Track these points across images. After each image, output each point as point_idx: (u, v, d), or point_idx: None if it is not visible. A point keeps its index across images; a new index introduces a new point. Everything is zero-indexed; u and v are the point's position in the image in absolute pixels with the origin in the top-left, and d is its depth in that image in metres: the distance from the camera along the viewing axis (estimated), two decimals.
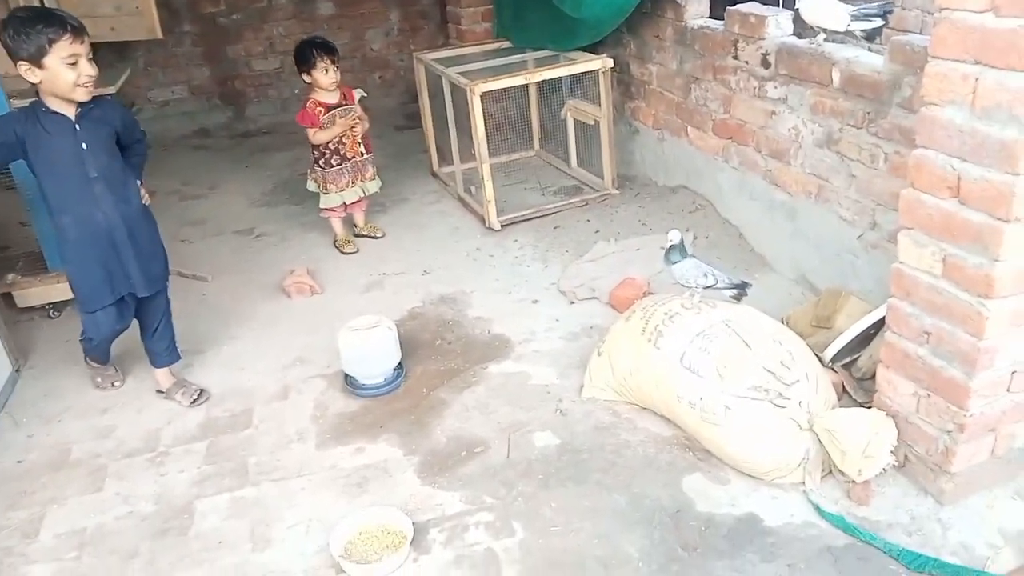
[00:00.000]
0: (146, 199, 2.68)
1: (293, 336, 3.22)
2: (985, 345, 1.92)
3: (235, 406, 2.81)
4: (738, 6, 3.28)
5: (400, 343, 2.89)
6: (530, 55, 4.48)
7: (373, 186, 3.90)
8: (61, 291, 3.31)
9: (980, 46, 1.76)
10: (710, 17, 3.67)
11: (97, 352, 2.85)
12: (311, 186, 3.85)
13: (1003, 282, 1.86)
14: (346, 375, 2.84)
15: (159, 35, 4.46)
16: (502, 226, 3.98)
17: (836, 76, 2.81)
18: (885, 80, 2.63)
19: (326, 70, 3.61)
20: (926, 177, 1.96)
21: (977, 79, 1.79)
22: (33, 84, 2.33)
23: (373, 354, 2.75)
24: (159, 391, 2.87)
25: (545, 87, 4.50)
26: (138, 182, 2.66)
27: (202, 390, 2.85)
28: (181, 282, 3.68)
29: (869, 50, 2.89)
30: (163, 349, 2.84)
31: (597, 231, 3.86)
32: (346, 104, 3.72)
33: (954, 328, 1.97)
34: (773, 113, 3.18)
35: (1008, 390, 2.02)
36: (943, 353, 2.02)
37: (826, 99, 2.89)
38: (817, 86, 2.92)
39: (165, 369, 2.86)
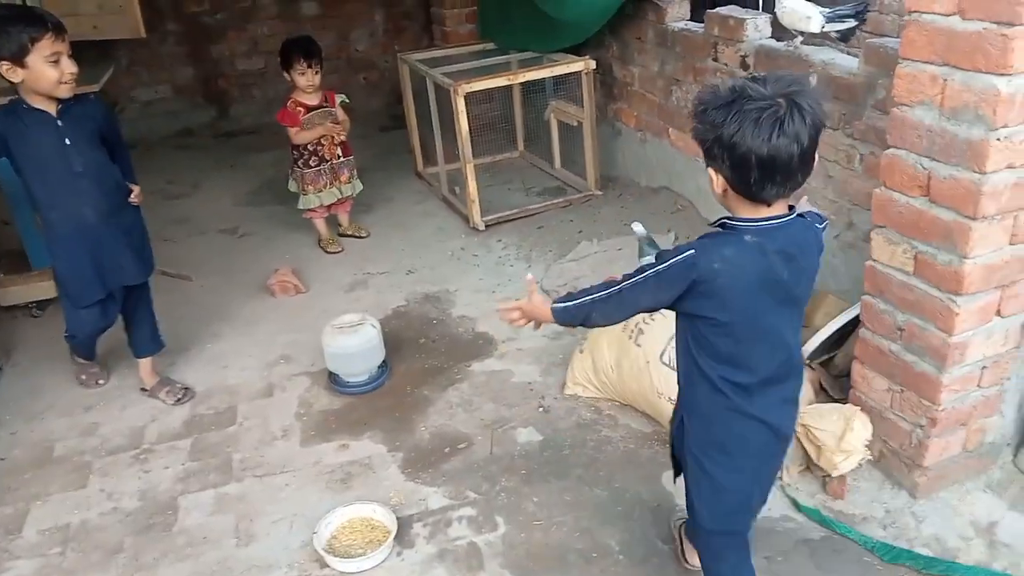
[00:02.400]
0: (138, 200, 2.69)
1: (277, 334, 3.23)
2: (956, 340, 1.97)
3: (219, 403, 2.82)
4: (718, 9, 3.33)
5: (384, 341, 2.91)
6: (514, 56, 4.51)
7: (349, 188, 3.91)
8: (44, 290, 3.30)
9: (947, 48, 1.81)
10: (691, 20, 3.71)
11: (83, 349, 2.85)
12: (292, 186, 3.86)
13: (972, 278, 1.91)
14: (330, 373, 2.86)
15: (142, 34, 4.45)
16: (486, 226, 4.01)
17: (813, 79, 2.86)
18: (860, 82, 2.68)
19: (303, 72, 3.62)
20: (897, 176, 2.01)
21: (945, 80, 1.84)
22: (13, 83, 2.33)
23: (357, 352, 2.77)
24: (143, 389, 2.87)
25: (529, 88, 4.54)
26: (132, 185, 2.67)
27: (187, 388, 2.86)
28: (165, 281, 3.68)
29: (847, 52, 2.95)
30: (146, 337, 2.83)
31: (580, 231, 3.89)
32: (327, 107, 3.73)
33: (926, 324, 2.02)
34: None
35: (979, 385, 2.08)
36: (915, 349, 2.07)
37: None
38: None
39: (149, 365, 2.86)
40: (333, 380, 2.85)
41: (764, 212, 1.41)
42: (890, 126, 2.02)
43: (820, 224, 1.54)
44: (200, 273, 3.76)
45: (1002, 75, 1.71)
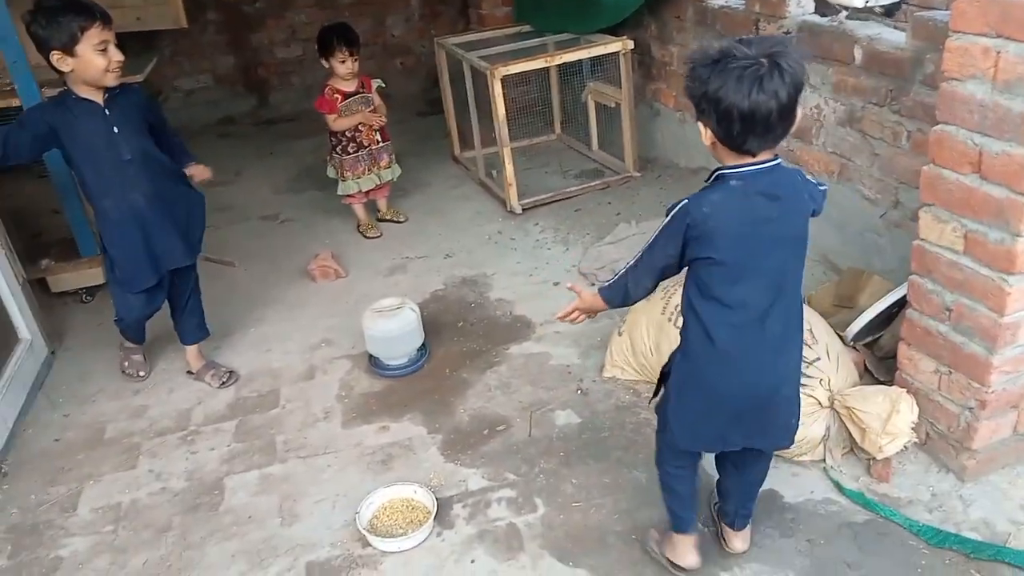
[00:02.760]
0: (204, 175, 2.80)
1: (318, 318, 3.28)
2: (1007, 321, 1.91)
3: (263, 386, 2.87)
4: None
5: (423, 325, 2.94)
6: (550, 38, 4.47)
7: (389, 174, 3.93)
8: (93, 276, 3.40)
9: (1001, 18, 1.75)
10: None
11: (132, 332, 2.92)
12: (331, 172, 3.90)
13: None
14: (370, 356, 2.90)
15: (184, 24, 4.53)
16: (523, 209, 4.00)
17: (858, 54, 2.79)
18: (907, 57, 2.60)
19: (343, 60, 3.63)
20: (947, 153, 1.96)
21: (999, 52, 1.77)
22: (62, 73, 2.39)
23: (397, 335, 2.80)
24: (189, 372, 2.94)
25: (566, 70, 4.50)
26: (193, 165, 2.78)
27: (231, 372, 2.92)
28: (209, 267, 3.74)
29: (894, 27, 2.86)
30: (194, 325, 2.90)
31: (618, 213, 3.87)
32: (363, 92, 3.75)
33: (975, 304, 1.97)
34: None
35: None
36: (964, 329, 2.02)
37: (848, 77, 2.87)
38: (839, 64, 2.90)
39: (195, 350, 2.92)
40: (373, 363, 2.88)
41: (748, 160, 1.54)
42: (940, 101, 1.95)
43: (820, 186, 1.66)
44: (243, 259, 3.83)
45: None
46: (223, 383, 2.87)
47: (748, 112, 1.43)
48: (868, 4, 2.74)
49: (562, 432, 2.48)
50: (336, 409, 2.71)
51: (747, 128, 1.46)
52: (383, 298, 2.97)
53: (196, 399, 2.83)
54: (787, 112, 1.45)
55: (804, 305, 2.59)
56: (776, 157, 1.56)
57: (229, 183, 4.81)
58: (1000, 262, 1.88)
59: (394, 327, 2.79)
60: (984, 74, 1.82)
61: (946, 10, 2.10)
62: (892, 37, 2.70)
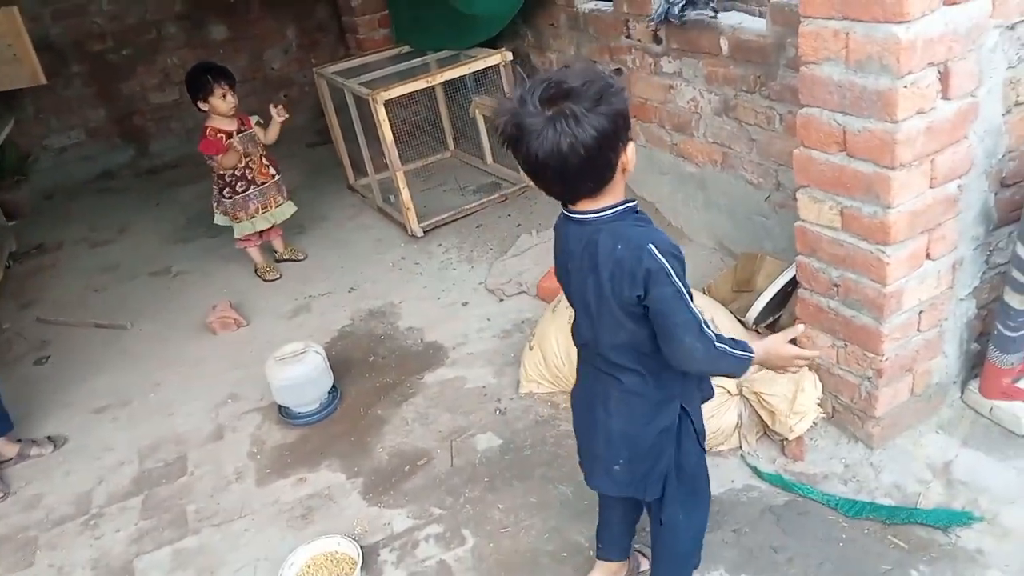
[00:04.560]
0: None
1: (222, 373, 3.14)
2: (890, 290, 1.98)
3: (168, 454, 2.72)
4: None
5: (332, 365, 2.85)
6: (431, 57, 4.45)
7: (287, 210, 3.81)
8: None
9: (845, 2, 1.80)
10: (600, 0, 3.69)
11: None
12: (219, 219, 3.75)
13: (898, 227, 1.91)
14: (280, 406, 2.79)
15: (42, 80, 4.26)
16: (425, 232, 3.95)
17: (724, 45, 2.86)
18: (770, 43, 2.68)
19: (224, 96, 3.50)
20: (814, 134, 2.01)
21: (847, 34, 1.83)
22: None
23: (304, 381, 2.70)
24: (3, 463, 2.75)
25: (451, 87, 4.47)
26: None
27: (50, 437, 2.83)
28: (100, 334, 3.56)
29: (758, 14, 2.94)
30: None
31: (519, 225, 3.86)
32: (245, 130, 3.62)
33: (859, 277, 2.03)
34: (671, 87, 3.22)
35: (918, 330, 2.09)
36: (853, 303, 2.08)
37: (718, 68, 2.94)
38: (708, 56, 2.96)
39: (3, 440, 2.76)
40: (284, 413, 2.77)
41: (571, 207, 1.46)
42: (801, 85, 2.01)
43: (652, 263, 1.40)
44: (136, 319, 3.64)
45: (900, 23, 1.71)
46: (55, 445, 2.79)
47: (529, 167, 1.36)
48: None
49: (484, 457, 2.44)
50: (249, 467, 2.59)
51: (536, 180, 1.40)
52: (287, 343, 2.86)
53: (96, 479, 2.66)
54: (573, 166, 1.32)
55: (705, 296, 2.65)
56: (591, 210, 1.43)
57: (113, 241, 4.58)
58: (876, 235, 1.94)
59: (299, 373, 2.69)
60: (837, 56, 1.88)
61: None
62: (753, 25, 2.78)
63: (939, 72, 1.81)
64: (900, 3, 1.69)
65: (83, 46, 5.43)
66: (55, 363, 3.39)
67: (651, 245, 1.38)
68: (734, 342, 1.48)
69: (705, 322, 1.43)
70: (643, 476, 1.63)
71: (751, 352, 1.50)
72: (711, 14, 2.85)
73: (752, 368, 1.55)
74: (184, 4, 5.62)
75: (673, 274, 1.38)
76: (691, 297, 1.43)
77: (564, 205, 1.48)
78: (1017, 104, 1.99)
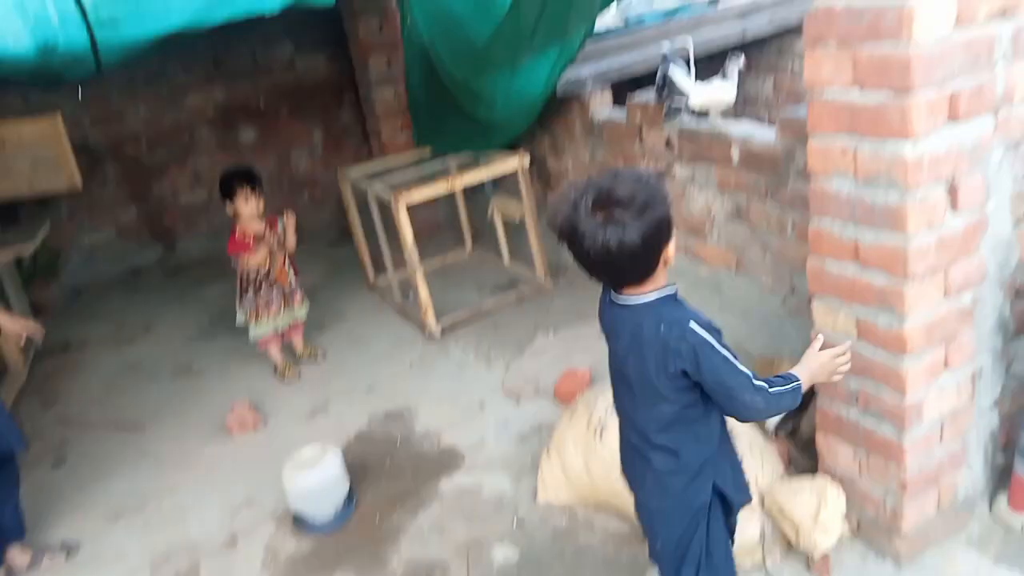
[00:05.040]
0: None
1: (238, 476, 3.12)
2: (910, 401, 1.96)
3: (181, 563, 2.68)
4: (636, 97, 3.44)
5: (348, 469, 2.83)
6: (452, 159, 4.59)
7: (303, 311, 3.88)
8: None
9: (852, 120, 1.87)
10: (615, 107, 3.82)
11: None
12: (240, 318, 3.81)
13: (915, 338, 1.91)
14: (295, 513, 2.75)
15: (79, 185, 4.47)
16: (443, 331, 3.98)
17: (735, 153, 2.95)
18: (780, 153, 2.76)
19: (247, 199, 3.62)
20: (827, 244, 2.04)
21: (855, 150, 1.88)
22: None
23: (320, 488, 2.68)
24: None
25: (470, 188, 4.59)
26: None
27: (63, 542, 2.80)
28: (118, 435, 3.57)
29: (767, 124, 3.04)
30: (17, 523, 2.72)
31: (536, 325, 3.88)
32: (273, 232, 3.73)
33: (879, 388, 2.01)
34: (684, 192, 3.29)
35: (941, 441, 2.06)
36: (873, 413, 2.05)
37: (730, 175, 3.01)
38: (720, 164, 3.04)
39: (16, 549, 2.72)
40: (299, 520, 2.74)
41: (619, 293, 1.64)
42: (812, 197, 2.05)
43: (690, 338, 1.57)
44: (154, 419, 3.66)
45: (907, 140, 1.76)
46: (68, 553, 2.76)
47: (581, 261, 1.55)
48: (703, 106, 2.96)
49: (501, 571, 2.39)
50: None
51: (587, 270, 1.58)
52: (305, 445, 2.86)
53: None
54: (620, 262, 1.50)
55: None
56: (636, 296, 1.59)
57: (137, 339, 4.65)
58: (893, 345, 1.94)
59: (316, 480, 2.67)
60: (847, 170, 1.93)
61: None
62: (763, 135, 2.86)
63: (947, 187, 1.85)
64: (906, 121, 1.75)
65: (119, 149, 5.66)
66: (72, 464, 3.40)
67: (692, 323, 1.55)
68: (782, 379, 1.65)
69: (754, 374, 1.59)
70: (679, 560, 1.74)
71: (798, 379, 1.67)
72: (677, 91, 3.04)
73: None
74: (216, 109, 5.88)
75: (716, 344, 1.55)
76: (736, 358, 1.57)
77: (609, 289, 1.66)
78: None
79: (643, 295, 1.59)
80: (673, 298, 1.60)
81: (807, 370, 1.72)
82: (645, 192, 1.49)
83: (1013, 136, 1.91)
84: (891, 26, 1.67)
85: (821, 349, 1.78)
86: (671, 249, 1.56)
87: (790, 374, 1.68)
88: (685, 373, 1.55)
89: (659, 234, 1.50)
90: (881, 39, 1.70)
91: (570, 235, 1.52)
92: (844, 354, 1.78)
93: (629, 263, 1.51)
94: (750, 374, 1.58)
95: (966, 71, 1.75)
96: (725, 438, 1.78)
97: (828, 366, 1.76)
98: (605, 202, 1.48)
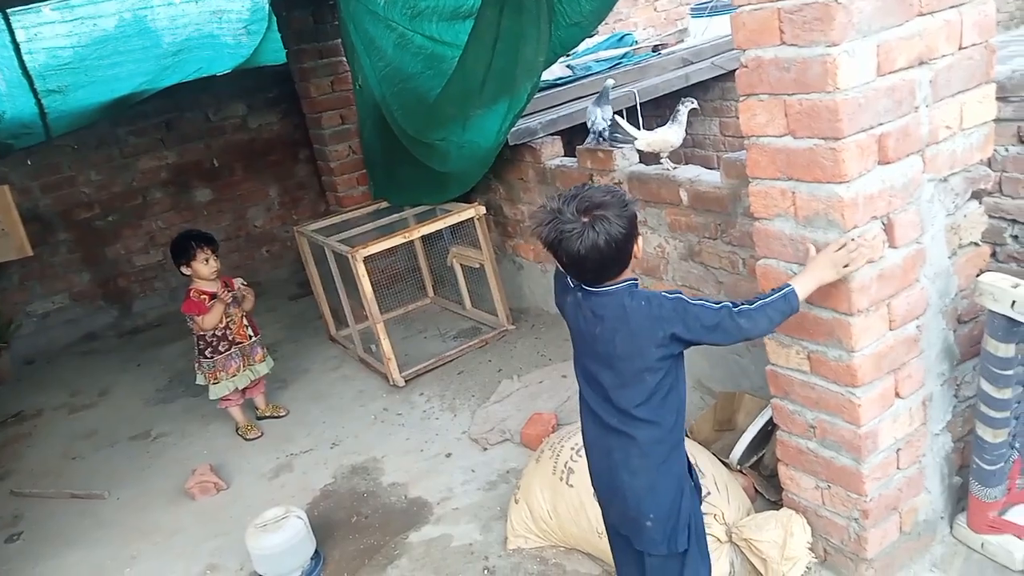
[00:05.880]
0: None
1: (201, 542, 3.05)
2: (865, 430, 2.02)
3: None
4: (585, 144, 3.53)
5: (314, 526, 2.79)
6: (409, 211, 4.63)
7: (263, 367, 3.84)
8: None
9: (788, 165, 1.95)
10: (565, 156, 3.91)
11: None
12: (200, 379, 3.75)
13: (864, 369, 1.98)
14: None
15: (29, 253, 4.40)
16: (406, 381, 3.97)
17: (684, 195, 3.03)
18: (726, 194, 2.85)
19: (206, 260, 3.61)
20: (772, 283, 2.10)
21: (794, 192, 1.97)
22: None
23: (284, 550, 2.63)
24: None
25: (428, 237, 4.63)
26: None
27: None
28: (75, 505, 3.47)
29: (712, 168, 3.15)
30: None
31: (500, 370, 3.90)
32: (228, 291, 3.70)
33: (834, 419, 2.07)
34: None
35: (898, 467, 2.11)
36: (830, 444, 2.10)
37: (680, 216, 3.10)
38: (670, 206, 3.13)
39: None
40: None
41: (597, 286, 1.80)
42: (756, 238, 2.13)
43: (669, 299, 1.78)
44: (114, 487, 3.56)
45: (840, 183, 1.85)
46: None
47: (571, 261, 1.72)
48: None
49: None
50: None
51: (573, 270, 1.77)
52: (268, 506, 2.81)
53: None
54: (607, 256, 1.70)
55: (688, 439, 2.66)
56: (613, 284, 1.77)
57: (93, 405, 4.54)
58: (844, 377, 2.00)
59: (280, 541, 2.63)
60: (787, 212, 2.01)
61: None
62: (709, 178, 2.96)
63: (883, 224, 1.93)
64: (838, 165, 1.83)
65: (70, 215, 5.59)
66: (28, 538, 3.28)
67: (664, 293, 1.78)
68: (765, 294, 1.83)
69: (732, 302, 1.79)
70: (672, 529, 1.84)
71: (789, 285, 1.83)
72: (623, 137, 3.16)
73: (813, 290, 1.86)
74: (169, 171, 5.86)
75: (686, 298, 1.77)
76: (706, 300, 1.78)
77: (579, 285, 1.82)
78: (961, 247, 2.12)
79: (619, 283, 1.78)
80: (637, 284, 1.80)
81: (810, 273, 1.87)
82: (616, 196, 1.73)
83: (941, 172, 2.01)
84: (817, 75, 1.76)
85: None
86: (640, 245, 1.77)
87: (778, 288, 1.84)
88: (674, 337, 1.74)
89: (634, 229, 1.72)
90: (809, 89, 1.80)
91: (557, 241, 1.70)
92: (846, 244, 1.85)
93: (615, 255, 1.70)
94: (728, 304, 1.78)
95: (891, 114, 1.85)
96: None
97: (834, 259, 1.86)
98: (588, 206, 1.68)
